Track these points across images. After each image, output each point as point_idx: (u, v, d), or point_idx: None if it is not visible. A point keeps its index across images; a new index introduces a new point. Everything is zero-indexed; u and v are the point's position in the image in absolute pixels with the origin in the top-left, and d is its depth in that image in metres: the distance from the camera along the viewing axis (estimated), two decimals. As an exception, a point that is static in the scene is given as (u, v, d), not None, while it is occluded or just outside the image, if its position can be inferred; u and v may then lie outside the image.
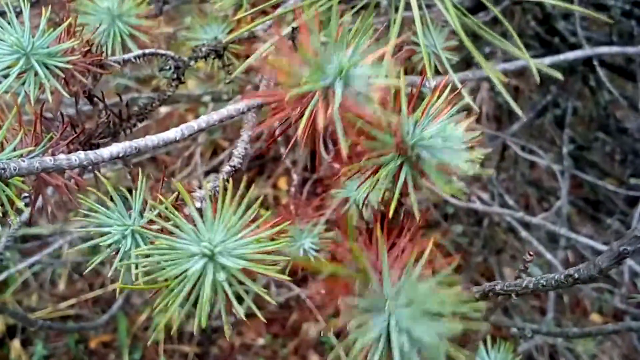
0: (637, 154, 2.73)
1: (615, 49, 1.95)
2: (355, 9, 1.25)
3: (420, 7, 1.11)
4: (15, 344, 3.10)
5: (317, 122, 0.71)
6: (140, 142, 0.82)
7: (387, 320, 0.59)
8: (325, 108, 0.70)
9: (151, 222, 0.85)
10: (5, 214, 0.81)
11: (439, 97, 0.81)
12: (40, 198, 0.90)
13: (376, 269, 0.66)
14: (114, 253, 0.87)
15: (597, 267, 0.76)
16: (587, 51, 1.83)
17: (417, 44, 1.13)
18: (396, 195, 0.78)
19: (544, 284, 0.83)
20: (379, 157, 0.80)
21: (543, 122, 3.15)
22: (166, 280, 0.72)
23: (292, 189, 1.69)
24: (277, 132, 0.84)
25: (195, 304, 0.72)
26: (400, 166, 0.79)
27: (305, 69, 0.72)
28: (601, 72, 2.24)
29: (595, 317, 3.23)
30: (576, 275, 0.79)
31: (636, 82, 2.44)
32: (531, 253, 0.89)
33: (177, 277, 0.71)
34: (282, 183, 3.69)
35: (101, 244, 0.85)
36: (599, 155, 3.10)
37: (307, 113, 0.72)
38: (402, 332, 0.57)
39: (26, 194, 0.87)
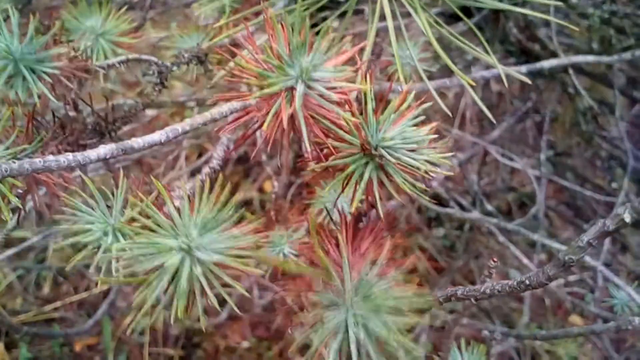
0: (617, 159, 2.78)
1: (590, 57, 2.01)
2: (336, 14, 1.28)
3: (394, 17, 1.15)
4: (-1, 347, 3.09)
5: (282, 120, 0.75)
6: (126, 144, 0.85)
7: (346, 314, 0.63)
8: (288, 107, 0.74)
9: (132, 220, 0.88)
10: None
11: (404, 101, 0.85)
12: (30, 196, 0.94)
13: (340, 268, 0.69)
14: (95, 250, 0.90)
15: (546, 275, 0.82)
16: (563, 60, 1.88)
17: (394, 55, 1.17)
18: (360, 192, 0.82)
19: (499, 289, 0.88)
20: (346, 157, 0.84)
21: (524, 127, 3.20)
22: (145, 274, 0.75)
23: (274, 196, 1.72)
24: (249, 132, 0.87)
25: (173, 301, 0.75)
26: (366, 165, 0.84)
27: (272, 71, 0.76)
28: (576, 81, 2.29)
29: (576, 319, 3.27)
30: (527, 282, 0.85)
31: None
32: (495, 259, 0.94)
33: (155, 269, 0.74)
34: (268, 186, 3.70)
35: (82, 240, 0.88)
36: (579, 161, 3.15)
37: (272, 112, 0.76)
38: (359, 325, 0.61)
39: (20, 190, 0.91)
